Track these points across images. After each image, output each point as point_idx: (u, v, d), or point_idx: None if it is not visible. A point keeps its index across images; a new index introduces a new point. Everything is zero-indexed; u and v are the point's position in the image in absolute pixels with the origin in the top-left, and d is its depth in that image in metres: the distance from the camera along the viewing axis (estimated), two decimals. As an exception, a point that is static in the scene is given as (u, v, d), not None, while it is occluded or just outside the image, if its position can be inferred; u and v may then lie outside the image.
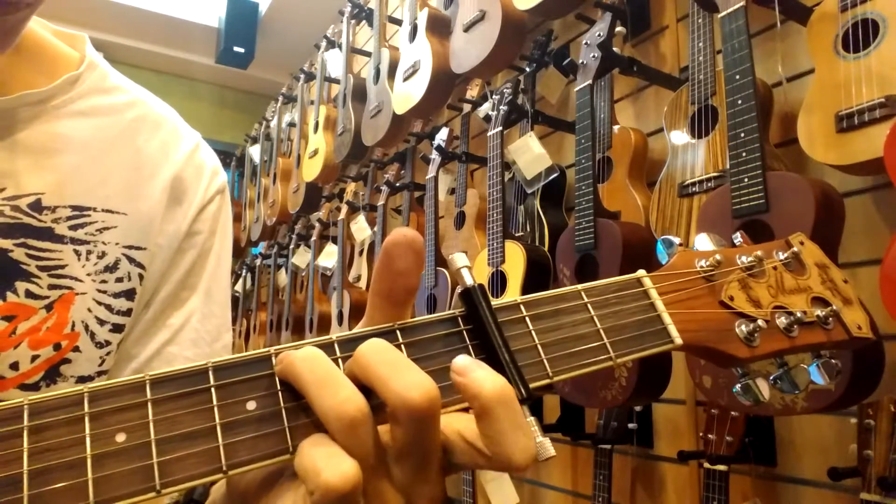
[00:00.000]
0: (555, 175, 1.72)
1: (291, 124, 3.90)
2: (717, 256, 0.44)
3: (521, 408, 0.33)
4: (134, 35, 4.64)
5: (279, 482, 0.34)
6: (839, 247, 1.06)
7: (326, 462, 0.29)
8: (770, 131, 1.28)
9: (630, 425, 1.51)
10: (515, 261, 1.61)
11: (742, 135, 1.08)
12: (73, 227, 0.55)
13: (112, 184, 0.58)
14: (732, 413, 1.20)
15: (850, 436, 1.04)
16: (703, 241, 0.46)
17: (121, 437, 0.29)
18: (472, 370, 0.32)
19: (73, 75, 0.57)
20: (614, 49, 1.49)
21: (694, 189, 1.28)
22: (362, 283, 2.81)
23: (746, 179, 1.06)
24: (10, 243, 0.52)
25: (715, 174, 1.24)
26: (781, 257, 0.47)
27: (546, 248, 1.67)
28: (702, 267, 0.43)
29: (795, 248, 0.47)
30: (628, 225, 1.40)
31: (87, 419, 0.29)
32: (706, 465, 1.20)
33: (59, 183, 0.55)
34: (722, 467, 1.18)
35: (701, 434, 1.24)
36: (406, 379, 0.31)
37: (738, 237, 0.48)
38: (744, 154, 1.07)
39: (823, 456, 1.21)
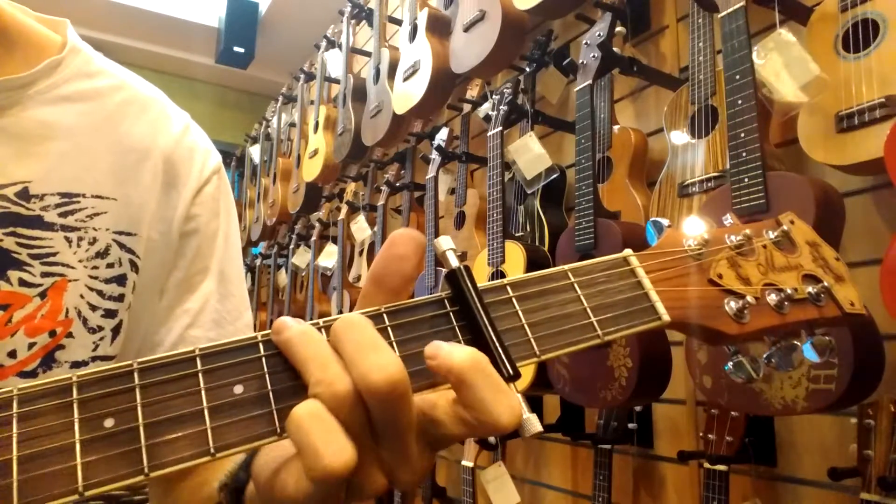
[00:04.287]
0: (555, 175, 1.72)
1: (291, 124, 3.90)
2: (705, 235, 0.44)
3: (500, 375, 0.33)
4: (134, 35, 4.64)
5: (286, 460, 0.34)
6: (839, 247, 1.06)
7: (326, 444, 0.30)
8: (770, 131, 1.28)
9: (630, 425, 1.51)
10: (515, 261, 1.61)
11: (742, 135, 1.08)
12: (63, 214, 0.55)
13: (101, 169, 0.58)
14: (732, 413, 1.20)
15: (850, 436, 1.04)
16: (691, 223, 0.46)
17: (109, 423, 0.30)
18: (440, 349, 0.33)
19: (54, 60, 0.57)
20: (614, 49, 1.49)
21: (694, 189, 1.28)
22: (362, 283, 2.81)
23: (746, 179, 1.06)
24: None
25: (715, 174, 1.24)
26: (771, 236, 0.47)
27: (546, 248, 1.67)
28: (689, 246, 0.44)
29: (785, 227, 0.47)
30: (628, 225, 1.40)
31: (75, 405, 0.30)
32: (706, 465, 1.20)
33: (47, 170, 0.54)
34: (722, 467, 1.18)
35: (701, 434, 1.24)
36: (369, 361, 0.31)
37: (728, 218, 0.48)
38: (744, 154, 1.07)
39: (823, 456, 1.21)
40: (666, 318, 0.40)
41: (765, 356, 0.46)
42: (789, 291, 0.43)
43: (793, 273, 0.45)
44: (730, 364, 0.47)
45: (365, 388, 0.31)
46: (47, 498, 0.28)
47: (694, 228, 0.45)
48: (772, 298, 0.43)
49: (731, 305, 0.42)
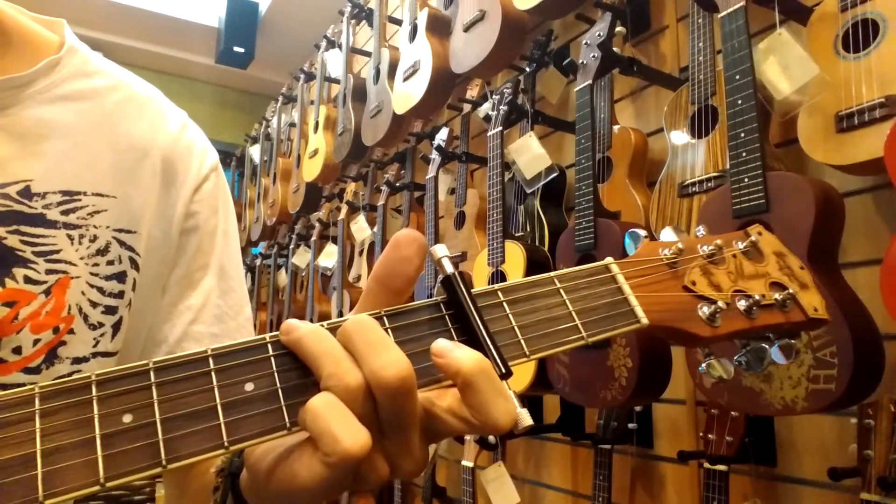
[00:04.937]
0: (554, 175, 1.72)
1: (291, 124, 3.90)
2: (679, 245, 0.47)
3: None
4: (134, 35, 4.64)
5: (291, 450, 0.36)
6: (839, 247, 1.06)
7: (344, 429, 0.32)
8: (770, 131, 1.28)
9: (630, 425, 1.51)
10: (515, 261, 1.61)
11: (742, 135, 1.08)
12: (65, 212, 0.55)
13: (100, 167, 0.58)
14: (732, 413, 1.20)
15: (850, 436, 1.04)
16: (667, 234, 0.49)
17: (127, 418, 0.32)
18: (450, 351, 0.35)
19: (52, 59, 0.57)
20: (614, 49, 1.49)
21: (694, 189, 1.28)
22: (362, 283, 2.81)
23: (746, 179, 1.06)
24: (3, 231, 0.52)
25: (715, 174, 1.24)
26: (740, 246, 0.50)
27: (546, 248, 1.67)
28: (665, 255, 0.47)
29: (753, 238, 0.50)
30: (628, 225, 1.40)
31: (94, 402, 0.32)
32: (706, 465, 1.20)
33: (47, 168, 0.55)
34: (722, 467, 1.18)
35: (701, 434, 1.24)
36: (382, 358, 0.34)
37: (700, 230, 0.51)
38: (744, 154, 1.07)
39: (823, 456, 1.21)
40: (644, 321, 0.43)
41: (735, 358, 0.49)
42: (757, 297, 0.46)
43: (760, 281, 0.48)
44: (703, 365, 0.50)
45: (376, 383, 0.33)
46: (70, 489, 0.30)
47: (669, 239, 0.48)
48: (741, 304, 0.46)
49: (704, 310, 0.45)
